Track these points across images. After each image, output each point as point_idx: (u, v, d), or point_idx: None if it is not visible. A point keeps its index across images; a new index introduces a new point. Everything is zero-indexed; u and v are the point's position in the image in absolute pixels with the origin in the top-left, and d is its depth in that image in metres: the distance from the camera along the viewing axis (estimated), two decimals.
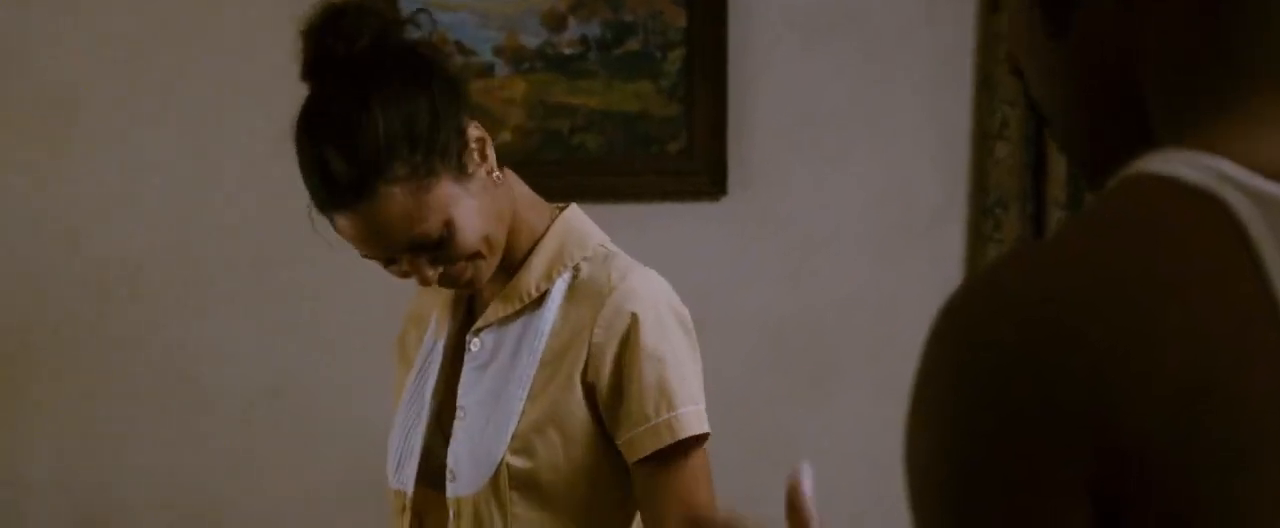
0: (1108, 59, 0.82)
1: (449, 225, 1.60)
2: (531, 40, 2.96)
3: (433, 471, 1.74)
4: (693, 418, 1.65)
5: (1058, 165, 2.98)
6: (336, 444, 3.04)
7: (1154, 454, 0.69)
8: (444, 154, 1.59)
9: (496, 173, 1.65)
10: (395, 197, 1.56)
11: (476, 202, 1.62)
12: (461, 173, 1.61)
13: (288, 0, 1.71)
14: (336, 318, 3.03)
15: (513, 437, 1.65)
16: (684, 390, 1.65)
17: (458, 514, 1.69)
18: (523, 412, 1.66)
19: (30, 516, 3.09)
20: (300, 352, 3.07)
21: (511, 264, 1.71)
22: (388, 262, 1.64)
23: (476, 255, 1.64)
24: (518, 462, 1.65)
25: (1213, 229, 0.72)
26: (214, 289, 3.06)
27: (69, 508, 3.09)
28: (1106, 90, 0.83)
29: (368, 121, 1.57)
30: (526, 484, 1.65)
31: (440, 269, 1.64)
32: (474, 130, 1.64)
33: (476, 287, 1.70)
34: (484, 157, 1.64)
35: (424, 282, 1.65)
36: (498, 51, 2.93)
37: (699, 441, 1.66)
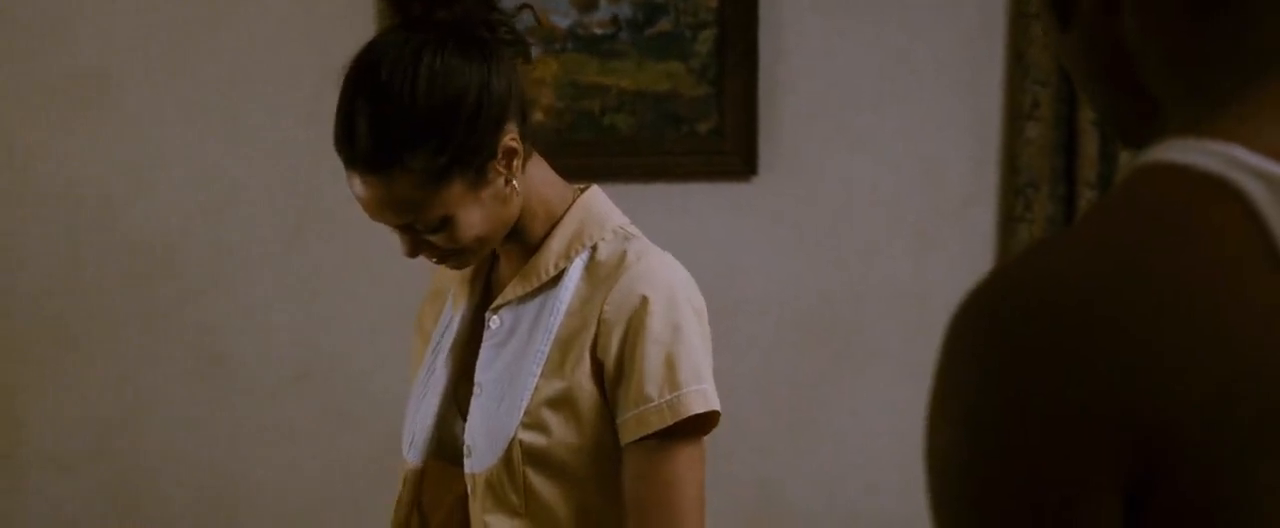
0: (1108, 51, 0.83)
1: (447, 221, 1.62)
2: (562, 20, 2.97)
3: (447, 445, 1.76)
4: (696, 397, 1.62)
5: (1089, 146, 2.97)
6: (366, 424, 3.06)
7: (1181, 444, 0.70)
8: (466, 160, 1.59)
9: (515, 184, 1.65)
10: (405, 182, 1.58)
11: (483, 208, 1.63)
12: (478, 179, 1.61)
13: None
14: (366, 298, 3.05)
15: (525, 413, 1.66)
16: (688, 372, 1.62)
17: (474, 489, 1.70)
18: (536, 388, 1.66)
19: (59, 491, 3.12)
20: (330, 331, 3.09)
21: (530, 244, 1.72)
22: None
23: (463, 249, 1.67)
24: (530, 437, 1.65)
25: (1228, 215, 0.72)
26: (245, 269, 3.08)
27: (98, 484, 3.12)
28: (1114, 77, 0.84)
29: (408, 100, 1.57)
30: (540, 460, 1.66)
31: (423, 246, 1.66)
32: (509, 140, 1.63)
33: (457, 269, 1.73)
34: (508, 168, 1.64)
35: (406, 252, 1.68)
36: (529, 32, 2.93)
37: (700, 426, 1.64)
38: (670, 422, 1.60)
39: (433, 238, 1.64)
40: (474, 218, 1.63)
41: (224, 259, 3.07)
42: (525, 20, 1.69)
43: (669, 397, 1.61)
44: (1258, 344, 0.70)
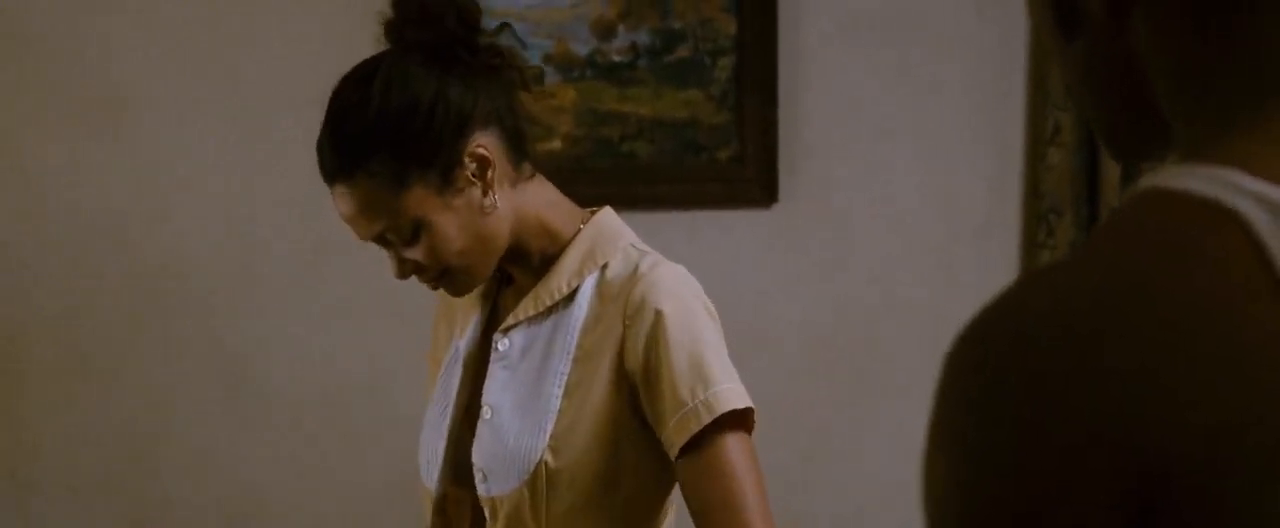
0: (1115, 66, 0.81)
1: (421, 229, 1.65)
2: (581, 48, 2.96)
3: (461, 469, 1.75)
4: (731, 394, 1.63)
5: (1111, 171, 2.96)
6: (389, 445, 3.04)
7: (1191, 473, 0.68)
8: (425, 162, 1.62)
9: (492, 198, 1.66)
10: (368, 186, 1.63)
11: (457, 217, 1.65)
12: (444, 186, 1.64)
13: None
14: (387, 317, 3.03)
15: (551, 436, 1.66)
16: (717, 370, 1.63)
17: (493, 514, 1.70)
18: (560, 410, 1.66)
19: (76, 512, 3.11)
20: (349, 349, 3.08)
21: (535, 265, 1.73)
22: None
23: (447, 270, 1.68)
24: (555, 459, 1.65)
25: (1232, 242, 0.71)
26: (263, 287, 3.07)
27: (115, 505, 3.11)
28: (1119, 92, 0.82)
29: (362, 108, 1.63)
30: (564, 482, 1.66)
31: (409, 265, 1.68)
32: (477, 148, 1.64)
33: (456, 295, 1.75)
34: (480, 179, 1.65)
35: (395, 272, 1.71)
36: (547, 59, 2.93)
37: (741, 422, 1.64)
38: (708, 420, 1.60)
39: (414, 254, 1.66)
40: (449, 227, 1.65)
41: (241, 280, 3.07)
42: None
43: (703, 396, 1.61)
44: (1268, 370, 0.69)
